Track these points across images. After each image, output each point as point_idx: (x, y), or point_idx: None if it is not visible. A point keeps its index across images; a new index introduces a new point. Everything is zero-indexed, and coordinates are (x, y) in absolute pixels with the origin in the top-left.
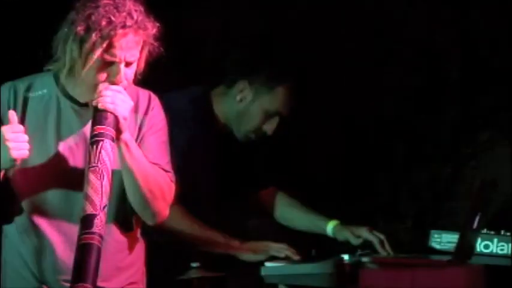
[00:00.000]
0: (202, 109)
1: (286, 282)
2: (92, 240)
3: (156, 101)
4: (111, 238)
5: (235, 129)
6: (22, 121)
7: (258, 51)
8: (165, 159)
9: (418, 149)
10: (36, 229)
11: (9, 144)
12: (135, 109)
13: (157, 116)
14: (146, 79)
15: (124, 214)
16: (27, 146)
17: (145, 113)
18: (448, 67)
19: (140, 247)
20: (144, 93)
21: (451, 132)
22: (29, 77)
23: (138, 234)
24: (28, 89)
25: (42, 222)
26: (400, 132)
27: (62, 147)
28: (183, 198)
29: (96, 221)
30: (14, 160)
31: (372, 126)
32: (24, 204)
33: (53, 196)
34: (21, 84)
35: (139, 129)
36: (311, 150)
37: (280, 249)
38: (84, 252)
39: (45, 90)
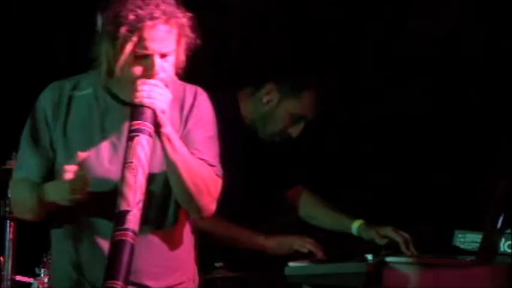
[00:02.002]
0: (230, 111)
1: (310, 282)
2: (125, 236)
3: (202, 96)
4: (156, 236)
5: (261, 130)
6: (67, 118)
7: (287, 56)
8: (211, 154)
9: (442, 149)
10: (83, 233)
11: (70, 184)
12: (181, 104)
13: (204, 111)
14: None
15: (169, 210)
16: (87, 190)
17: (191, 108)
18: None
19: (190, 244)
20: (190, 89)
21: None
22: (76, 77)
23: (187, 231)
24: (74, 88)
25: (89, 225)
26: (425, 133)
27: (107, 145)
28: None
29: (130, 217)
30: (71, 199)
31: (398, 126)
32: (73, 208)
33: (100, 197)
34: (67, 84)
35: (185, 124)
36: (337, 149)
37: (304, 243)
38: (116, 249)
39: (90, 90)
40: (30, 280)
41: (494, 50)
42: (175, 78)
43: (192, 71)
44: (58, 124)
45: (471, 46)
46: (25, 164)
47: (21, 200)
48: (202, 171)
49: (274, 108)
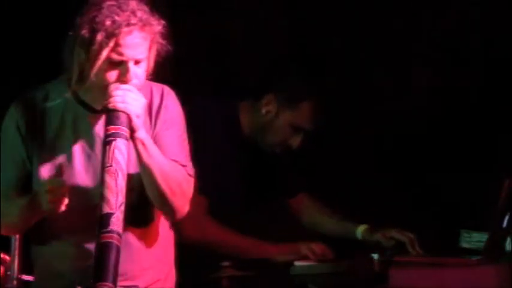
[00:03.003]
0: (230, 122)
1: (316, 281)
2: (110, 238)
3: (170, 96)
4: (134, 236)
5: (261, 141)
6: (41, 131)
7: (285, 67)
8: (182, 154)
9: (448, 149)
10: (64, 236)
11: (48, 195)
12: (149, 106)
13: (172, 111)
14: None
15: (145, 211)
16: (65, 200)
17: (159, 109)
18: None
19: (167, 243)
20: (157, 89)
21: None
22: (44, 86)
23: (164, 230)
24: (44, 99)
25: (70, 234)
26: (430, 133)
27: (81, 154)
28: (211, 207)
29: (113, 220)
30: (50, 209)
31: (399, 129)
32: (53, 219)
33: (78, 206)
34: (37, 95)
35: (154, 125)
36: (337, 154)
37: (312, 248)
38: (103, 251)
39: (59, 100)
40: None
41: (495, 49)
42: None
43: (191, 81)
44: (32, 137)
45: (473, 44)
46: (2, 179)
47: (5, 216)
48: (175, 174)
49: (274, 119)
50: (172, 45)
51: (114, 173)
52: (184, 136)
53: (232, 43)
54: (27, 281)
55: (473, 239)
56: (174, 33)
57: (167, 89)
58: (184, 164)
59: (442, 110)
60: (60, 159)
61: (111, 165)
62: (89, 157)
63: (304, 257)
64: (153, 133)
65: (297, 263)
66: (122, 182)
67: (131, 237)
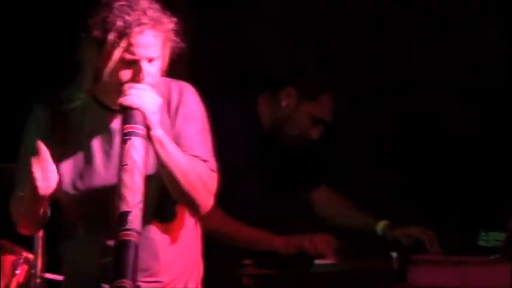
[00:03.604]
0: (249, 115)
1: (336, 279)
2: (128, 236)
3: (189, 92)
4: (157, 232)
5: (280, 133)
6: (62, 132)
7: (306, 60)
8: (203, 149)
9: (466, 151)
10: (87, 234)
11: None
12: (168, 102)
13: (191, 106)
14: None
15: (168, 208)
16: (52, 184)
17: (178, 105)
18: None
19: (191, 239)
20: (176, 86)
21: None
22: (64, 88)
23: (189, 226)
24: (63, 102)
25: (89, 228)
26: (449, 134)
27: (100, 153)
28: (229, 200)
29: (131, 218)
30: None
31: (417, 126)
32: (74, 213)
33: (100, 203)
34: (58, 96)
35: (174, 122)
36: (358, 149)
37: (314, 243)
38: (121, 249)
39: (78, 101)
40: (60, 278)
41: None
42: (161, 80)
43: (213, 75)
44: (53, 136)
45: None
46: (23, 177)
47: (20, 211)
48: (196, 169)
49: (294, 111)
50: (196, 45)
51: (131, 172)
52: (206, 131)
53: (254, 44)
54: (51, 279)
55: (491, 238)
56: (199, 35)
57: (186, 85)
58: (206, 159)
59: (462, 111)
60: (80, 157)
61: (127, 164)
62: (108, 155)
63: (306, 250)
64: (173, 130)
65: (317, 261)
66: (139, 180)
67: (154, 233)
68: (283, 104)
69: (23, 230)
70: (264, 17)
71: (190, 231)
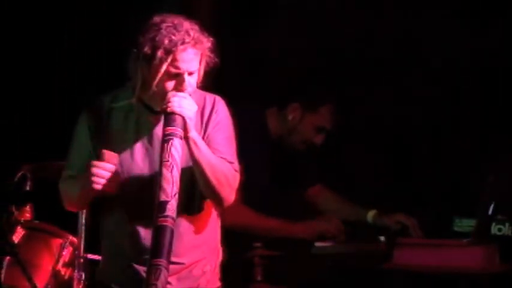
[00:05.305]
0: (260, 126)
1: (333, 259)
2: (165, 222)
3: (220, 103)
4: (185, 221)
5: (286, 141)
6: (107, 126)
7: (305, 79)
8: (229, 152)
9: (441, 148)
10: (123, 219)
11: (92, 177)
12: (202, 111)
13: (221, 116)
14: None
15: (197, 201)
16: (104, 181)
17: (210, 113)
18: None
19: (213, 228)
20: (210, 97)
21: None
22: (113, 91)
23: (212, 218)
24: (112, 101)
25: (130, 214)
26: (428, 132)
27: (140, 148)
28: (247, 194)
29: (169, 206)
30: (92, 188)
31: (403, 127)
32: (116, 200)
33: (137, 190)
34: (107, 97)
35: (206, 127)
36: (348, 148)
37: (328, 227)
38: (159, 232)
39: (126, 102)
40: (99, 258)
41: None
42: (197, 90)
43: (231, 91)
44: (99, 131)
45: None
46: (72, 165)
47: (68, 193)
48: (223, 168)
49: (298, 123)
50: (219, 60)
51: (170, 167)
52: (232, 138)
53: (266, 60)
54: (92, 259)
55: (464, 224)
56: (219, 51)
57: (218, 98)
58: (231, 161)
59: (440, 111)
60: (122, 151)
61: (168, 160)
62: (147, 151)
63: (323, 234)
64: (204, 134)
65: (317, 244)
66: (176, 175)
67: (183, 222)
68: (290, 117)
69: (70, 208)
70: (275, 28)
71: (213, 222)
